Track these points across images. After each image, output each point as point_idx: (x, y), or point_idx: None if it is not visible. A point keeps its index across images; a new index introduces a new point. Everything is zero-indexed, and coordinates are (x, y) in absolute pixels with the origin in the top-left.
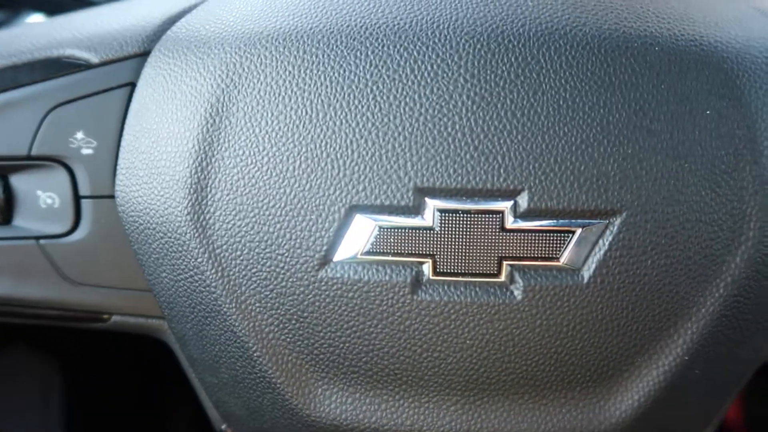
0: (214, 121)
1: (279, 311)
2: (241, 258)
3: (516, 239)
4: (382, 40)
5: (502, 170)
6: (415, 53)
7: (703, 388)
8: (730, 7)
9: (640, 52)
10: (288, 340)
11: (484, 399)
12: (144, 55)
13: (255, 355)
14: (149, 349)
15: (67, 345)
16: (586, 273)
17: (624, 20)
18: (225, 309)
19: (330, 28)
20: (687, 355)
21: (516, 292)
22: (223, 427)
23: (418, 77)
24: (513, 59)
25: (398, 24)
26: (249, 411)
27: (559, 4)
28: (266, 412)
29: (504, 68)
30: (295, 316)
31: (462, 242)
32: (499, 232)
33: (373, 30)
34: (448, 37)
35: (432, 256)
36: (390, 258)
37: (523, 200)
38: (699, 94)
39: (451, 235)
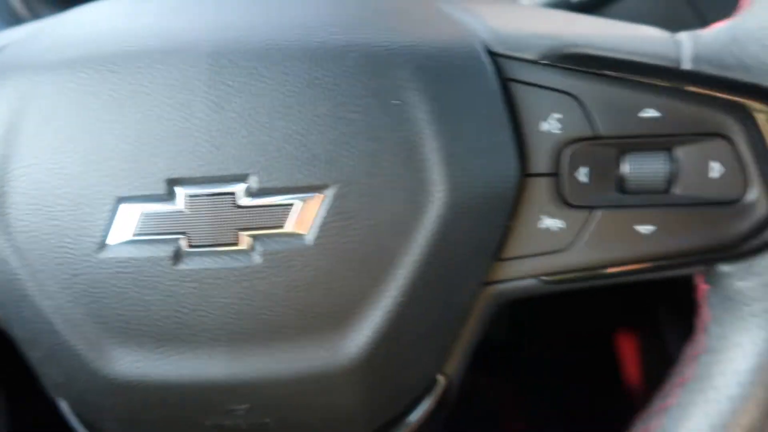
0: (9, 139)
1: (74, 290)
2: (39, 249)
3: (249, 214)
4: (137, 63)
5: (233, 160)
6: (162, 72)
7: (426, 324)
8: (419, 12)
9: (340, 58)
10: (85, 313)
11: (246, 347)
12: None
13: (60, 329)
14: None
15: None
16: (310, 237)
17: (331, 33)
18: (31, 293)
19: (100, 55)
20: (402, 296)
21: (256, 257)
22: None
23: (166, 90)
24: (237, 72)
25: (153, 47)
26: (67, 379)
27: (276, 24)
28: (79, 378)
29: (232, 80)
30: (87, 293)
31: (208, 220)
32: (234, 208)
33: (131, 55)
34: (188, 57)
35: (185, 233)
36: (154, 237)
37: (253, 182)
38: (388, 88)
39: (199, 214)
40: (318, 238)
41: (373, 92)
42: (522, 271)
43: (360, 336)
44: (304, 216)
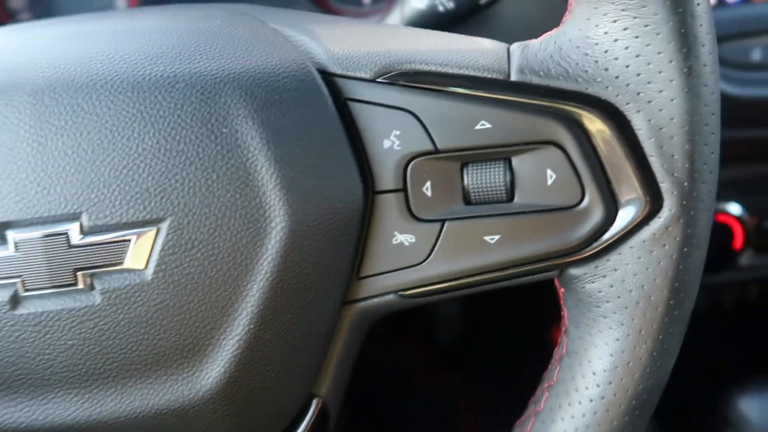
0: None
1: None
2: None
3: (84, 252)
4: None
5: (63, 199)
6: None
7: (286, 347)
8: (251, 36)
9: (166, 89)
10: None
11: (100, 388)
12: None
13: None
14: None
15: None
16: (149, 271)
17: (157, 64)
18: None
19: None
20: (252, 323)
21: (96, 296)
22: None
23: None
24: (60, 110)
25: None
26: None
27: (102, 58)
28: None
29: (55, 118)
30: None
31: (43, 262)
32: (68, 248)
33: None
34: (11, 98)
35: (20, 276)
36: None
37: (85, 220)
38: (217, 117)
39: (33, 257)
40: (156, 272)
41: (202, 122)
42: (381, 288)
43: (215, 366)
44: (140, 251)
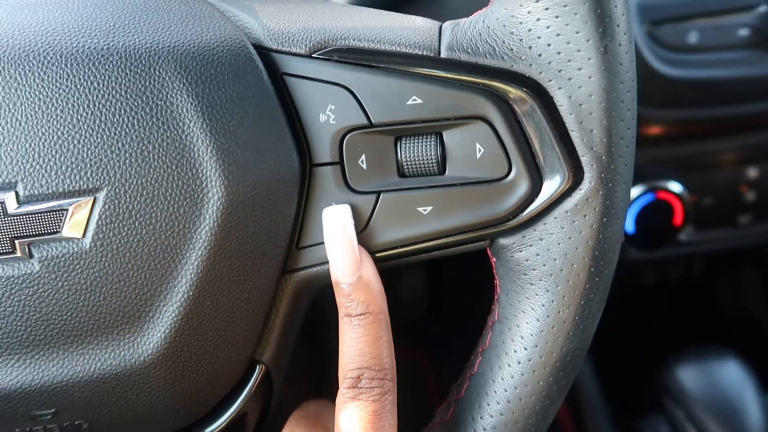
0: None
1: None
2: None
3: (21, 221)
4: None
5: None
6: None
7: (227, 314)
8: (187, 10)
9: (100, 62)
10: None
11: (40, 353)
12: None
13: None
14: None
15: None
16: (87, 240)
17: (91, 36)
18: None
19: None
20: (191, 290)
21: (34, 264)
22: None
23: None
24: None
25: None
26: None
27: (35, 29)
28: None
29: None
30: None
31: None
32: (4, 217)
33: None
34: None
35: None
36: None
37: (21, 189)
38: (152, 90)
39: None
40: (95, 240)
41: (137, 94)
42: (320, 258)
43: (156, 331)
44: (78, 220)
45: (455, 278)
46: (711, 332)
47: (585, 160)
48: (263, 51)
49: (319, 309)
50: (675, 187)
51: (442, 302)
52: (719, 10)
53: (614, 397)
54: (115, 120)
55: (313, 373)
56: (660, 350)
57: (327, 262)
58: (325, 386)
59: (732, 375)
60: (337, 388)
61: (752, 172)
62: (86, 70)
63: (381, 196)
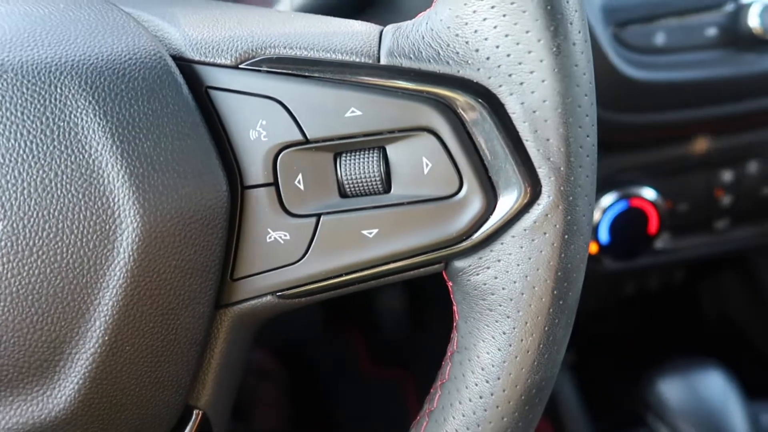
0: None
1: None
2: None
3: None
4: None
5: None
6: None
7: (152, 358)
8: (96, 20)
9: None
10: None
11: None
12: None
13: None
14: None
15: None
16: None
17: None
18: None
19: None
20: (107, 335)
21: None
22: None
23: None
24: None
25: None
26: None
27: None
28: None
29: None
30: None
31: None
32: None
33: None
34: None
35: None
36: None
37: None
38: (51, 109)
39: None
40: None
41: (35, 114)
42: (257, 290)
43: (68, 383)
44: None
45: (437, 294)
46: (694, 340)
47: (542, 172)
48: (184, 63)
49: None
50: (649, 193)
51: (425, 319)
52: (686, 9)
53: (596, 410)
54: (10, 145)
55: None
56: (642, 361)
57: (264, 294)
58: None
59: (715, 386)
60: None
61: (727, 176)
62: None
63: (321, 219)
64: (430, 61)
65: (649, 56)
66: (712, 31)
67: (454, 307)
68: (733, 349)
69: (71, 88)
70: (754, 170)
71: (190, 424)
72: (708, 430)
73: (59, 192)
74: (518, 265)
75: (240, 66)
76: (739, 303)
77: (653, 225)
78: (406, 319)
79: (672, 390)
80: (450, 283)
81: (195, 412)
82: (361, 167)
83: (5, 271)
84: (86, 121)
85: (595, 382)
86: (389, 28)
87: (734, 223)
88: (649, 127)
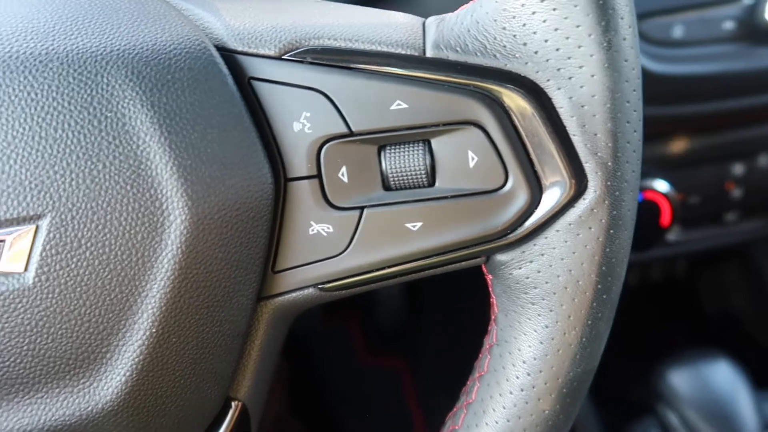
0: None
1: None
2: None
3: None
4: None
5: None
6: None
7: (197, 349)
8: (139, 10)
9: (37, 69)
10: None
11: None
12: None
13: None
14: None
15: None
16: (30, 274)
17: (26, 40)
18: None
19: None
20: (154, 327)
21: None
22: None
23: None
24: None
25: None
26: None
27: None
28: None
29: None
30: None
31: None
32: None
33: None
34: None
35: None
36: None
37: None
38: (101, 100)
39: None
40: (39, 275)
41: (82, 105)
42: (299, 282)
43: (114, 375)
44: (18, 252)
45: (436, 282)
46: (697, 331)
47: (589, 167)
48: (227, 53)
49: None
50: (662, 186)
51: (423, 307)
52: (704, 2)
53: (605, 401)
54: (58, 136)
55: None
56: (649, 352)
57: (307, 287)
58: None
59: (724, 376)
60: None
61: (738, 169)
62: (21, 79)
63: (365, 212)
64: (476, 54)
65: (667, 49)
66: (729, 25)
67: (492, 300)
68: (735, 339)
69: (118, 78)
70: (765, 163)
71: (230, 415)
72: (718, 420)
73: (107, 183)
74: (562, 259)
75: (283, 57)
76: (740, 294)
77: (666, 217)
78: (404, 307)
79: (682, 380)
80: (490, 276)
81: (234, 403)
82: (406, 160)
83: (53, 263)
84: (134, 112)
85: (603, 372)
86: (432, 20)
87: (743, 216)
88: (663, 120)
